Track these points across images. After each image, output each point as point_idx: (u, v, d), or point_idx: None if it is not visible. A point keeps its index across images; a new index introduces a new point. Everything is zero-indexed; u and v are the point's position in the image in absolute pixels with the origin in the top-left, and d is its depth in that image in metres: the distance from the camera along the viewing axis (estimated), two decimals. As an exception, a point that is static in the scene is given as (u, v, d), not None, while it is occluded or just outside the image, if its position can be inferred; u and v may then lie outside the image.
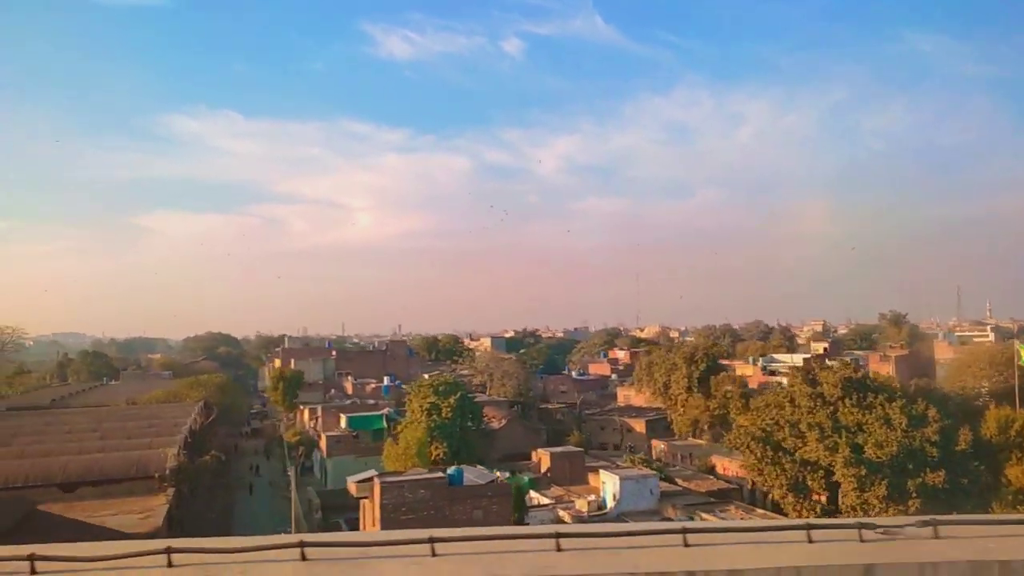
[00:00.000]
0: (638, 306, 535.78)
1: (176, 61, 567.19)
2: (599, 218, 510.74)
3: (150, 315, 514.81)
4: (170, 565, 5.54)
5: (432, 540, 5.71)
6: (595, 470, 53.23)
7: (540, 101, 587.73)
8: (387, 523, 35.35)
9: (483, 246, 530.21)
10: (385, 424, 63.92)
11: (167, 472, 28.21)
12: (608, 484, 47.50)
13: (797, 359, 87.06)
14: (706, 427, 73.69)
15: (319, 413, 72.28)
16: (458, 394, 59.06)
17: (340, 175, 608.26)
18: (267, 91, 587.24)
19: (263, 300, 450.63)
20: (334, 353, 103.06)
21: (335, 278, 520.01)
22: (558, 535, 5.90)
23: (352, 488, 43.08)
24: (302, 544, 5.68)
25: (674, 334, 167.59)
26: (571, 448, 62.74)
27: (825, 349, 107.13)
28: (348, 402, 78.29)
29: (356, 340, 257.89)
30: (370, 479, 40.47)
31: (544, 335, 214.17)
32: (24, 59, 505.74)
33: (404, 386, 78.76)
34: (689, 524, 6.36)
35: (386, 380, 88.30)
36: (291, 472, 53.07)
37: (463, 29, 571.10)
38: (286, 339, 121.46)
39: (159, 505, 25.56)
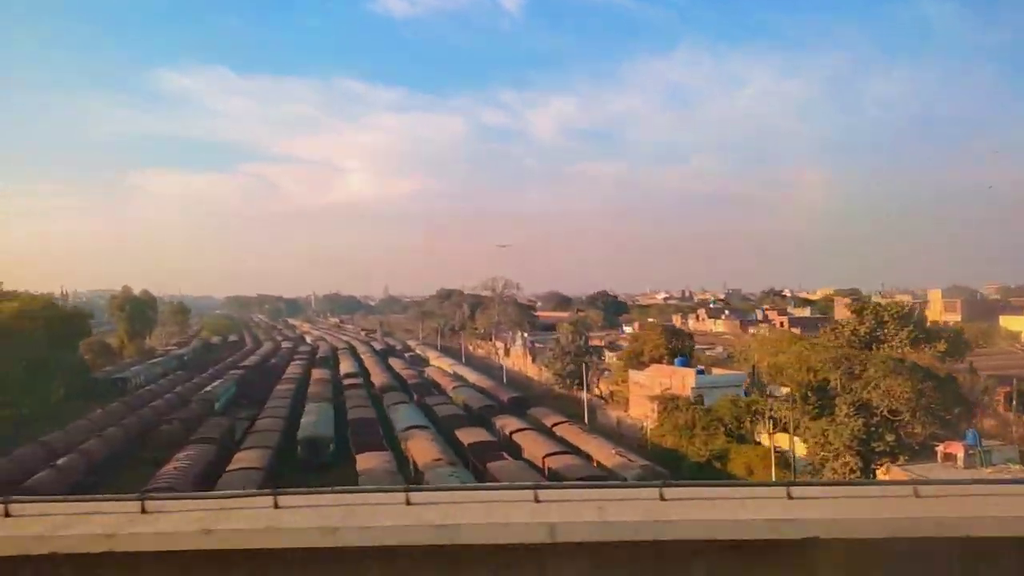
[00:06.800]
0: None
1: (164, 14, 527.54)
2: (595, 180, 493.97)
3: (151, 272, 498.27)
4: None
5: None
6: None
7: (538, 61, 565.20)
8: None
9: (477, 207, 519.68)
10: None
11: None
12: None
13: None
14: None
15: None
16: None
17: (334, 134, 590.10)
18: (260, 48, 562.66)
19: (255, 261, 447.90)
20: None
21: (323, 238, 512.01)
22: None
23: None
24: None
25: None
26: None
27: None
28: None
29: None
30: None
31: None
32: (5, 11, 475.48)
33: None
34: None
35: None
36: None
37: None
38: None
39: None
